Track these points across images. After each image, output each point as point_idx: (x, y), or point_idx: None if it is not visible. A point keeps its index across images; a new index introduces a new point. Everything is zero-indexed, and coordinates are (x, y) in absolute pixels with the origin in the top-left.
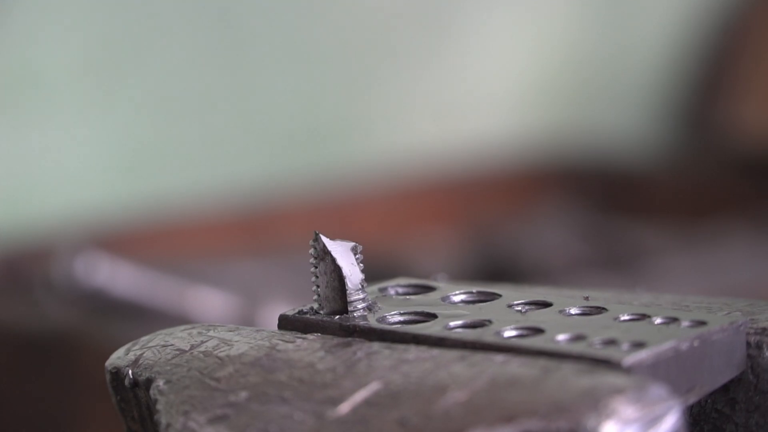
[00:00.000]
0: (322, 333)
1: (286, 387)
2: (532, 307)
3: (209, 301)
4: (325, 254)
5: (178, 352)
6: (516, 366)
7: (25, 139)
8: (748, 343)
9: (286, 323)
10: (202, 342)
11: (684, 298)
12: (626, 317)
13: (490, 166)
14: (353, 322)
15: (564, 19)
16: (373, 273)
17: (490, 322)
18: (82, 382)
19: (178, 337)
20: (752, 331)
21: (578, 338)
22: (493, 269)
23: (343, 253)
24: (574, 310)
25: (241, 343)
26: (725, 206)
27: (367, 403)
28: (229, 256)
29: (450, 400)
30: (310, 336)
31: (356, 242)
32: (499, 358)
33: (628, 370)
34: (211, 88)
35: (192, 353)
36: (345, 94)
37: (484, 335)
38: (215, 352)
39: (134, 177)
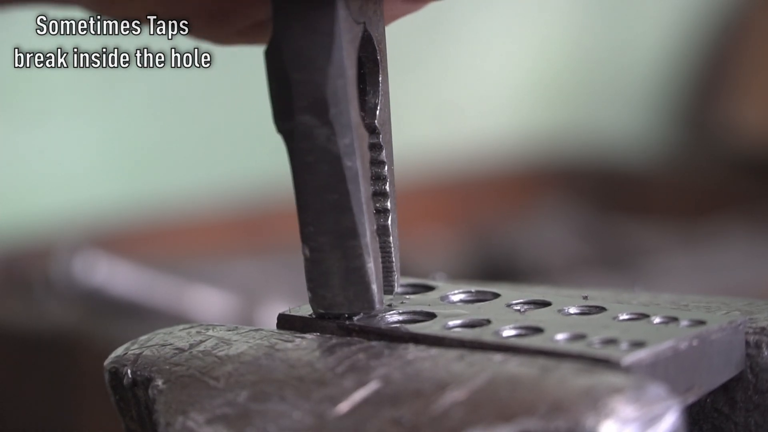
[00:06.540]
0: (321, 332)
1: (285, 386)
2: (531, 306)
3: (208, 300)
4: None
5: (176, 352)
6: (515, 365)
7: (25, 139)
8: (747, 343)
9: (285, 322)
10: (201, 341)
11: (683, 298)
12: (625, 316)
13: (490, 165)
14: (352, 322)
15: (564, 20)
16: None
17: (488, 321)
18: (81, 382)
19: (176, 337)
20: (751, 330)
21: (577, 338)
22: (492, 268)
23: None
24: (573, 310)
25: (240, 342)
26: (724, 206)
27: (366, 402)
28: (227, 255)
29: (449, 399)
30: (309, 335)
31: None
32: (498, 357)
33: (627, 370)
34: (211, 88)
35: (191, 352)
36: None
37: (482, 335)
38: (214, 352)
39: (133, 176)
